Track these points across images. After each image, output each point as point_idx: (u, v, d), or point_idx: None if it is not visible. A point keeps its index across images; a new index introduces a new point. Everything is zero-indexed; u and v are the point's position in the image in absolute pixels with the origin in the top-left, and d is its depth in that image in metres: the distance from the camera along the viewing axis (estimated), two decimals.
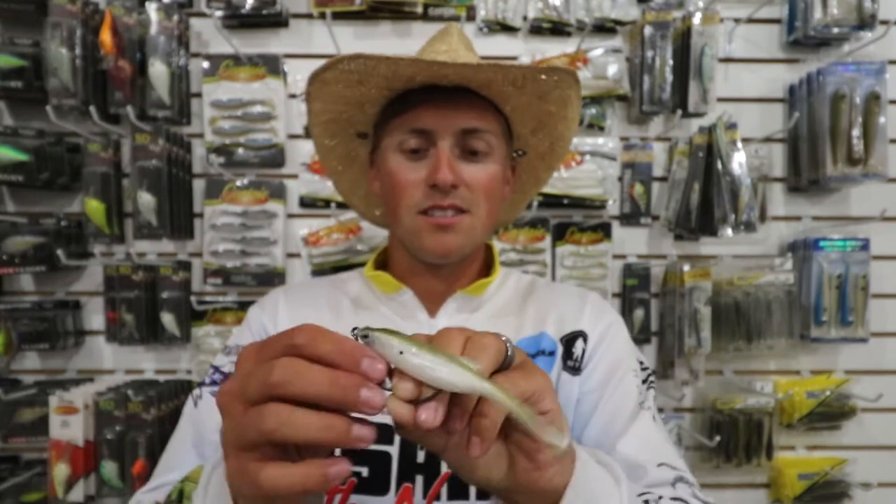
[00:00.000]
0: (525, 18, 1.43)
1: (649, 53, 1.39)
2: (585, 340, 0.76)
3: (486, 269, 0.85)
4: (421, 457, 0.64)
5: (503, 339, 0.41)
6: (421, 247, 0.71)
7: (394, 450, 0.64)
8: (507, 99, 0.72)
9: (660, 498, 0.53)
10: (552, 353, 0.75)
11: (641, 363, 0.77)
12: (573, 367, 0.74)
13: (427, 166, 0.68)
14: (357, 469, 0.63)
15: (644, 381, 0.75)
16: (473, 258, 0.80)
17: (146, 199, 1.30)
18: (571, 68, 0.69)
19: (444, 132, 0.68)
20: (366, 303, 0.79)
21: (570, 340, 0.76)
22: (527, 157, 0.84)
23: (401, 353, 0.35)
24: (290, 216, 1.43)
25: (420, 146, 0.69)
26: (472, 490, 0.63)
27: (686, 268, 1.38)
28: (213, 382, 0.73)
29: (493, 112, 0.72)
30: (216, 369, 0.75)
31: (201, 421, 0.69)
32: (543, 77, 0.68)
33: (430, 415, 0.35)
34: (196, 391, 0.74)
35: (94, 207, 1.33)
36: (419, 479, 0.64)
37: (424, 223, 0.69)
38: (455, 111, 0.68)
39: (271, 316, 0.79)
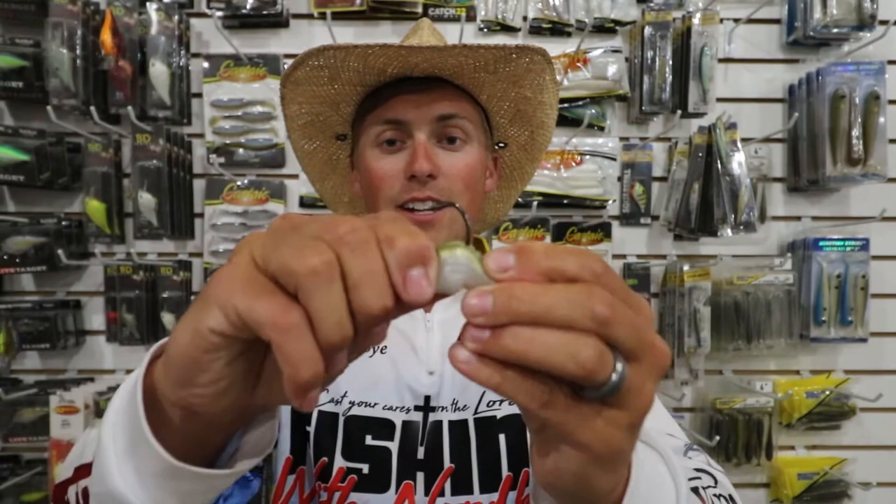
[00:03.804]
0: (525, 19, 1.43)
1: (649, 53, 1.39)
2: None
3: None
4: (421, 453, 0.63)
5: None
6: None
7: (393, 446, 0.63)
8: (482, 86, 0.71)
9: (706, 488, 0.50)
10: None
11: None
12: None
13: (404, 158, 0.67)
14: (357, 465, 0.62)
15: None
16: None
17: (146, 199, 1.31)
18: (541, 47, 0.67)
19: (419, 121, 0.67)
20: None
21: None
22: (510, 150, 0.83)
23: None
24: None
25: (396, 137, 0.68)
26: (476, 485, 0.63)
27: (686, 268, 1.38)
28: None
29: (468, 101, 0.71)
30: None
31: None
32: (513, 56, 0.67)
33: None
34: None
35: (95, 207, 1.33)
36: (420, 476, 0.63)
37: None
38: (429, 100, 0.67)
39: None
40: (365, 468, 0.63)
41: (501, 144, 0.82)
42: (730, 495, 0.52)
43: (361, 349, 0.31)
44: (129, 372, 1.48)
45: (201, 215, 1.41)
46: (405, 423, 0.64)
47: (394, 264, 0.26)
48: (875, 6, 1.36)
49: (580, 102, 1.42)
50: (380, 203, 0.69)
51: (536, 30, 1.43)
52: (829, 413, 1.45)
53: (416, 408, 0.64)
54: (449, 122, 0.68)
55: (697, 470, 0.53)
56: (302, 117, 0.76)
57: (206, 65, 1.39)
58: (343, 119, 0.77)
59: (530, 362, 0.26)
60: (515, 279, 0.26)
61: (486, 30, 1.43)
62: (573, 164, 1.42)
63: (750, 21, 1.43)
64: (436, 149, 0.68)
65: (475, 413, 0.64)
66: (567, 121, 1.42)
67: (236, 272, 0.28)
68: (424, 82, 0.68)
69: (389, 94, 0.68)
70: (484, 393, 0.64)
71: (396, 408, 0.64)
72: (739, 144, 1.36)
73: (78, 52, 1.27)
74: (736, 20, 1.44)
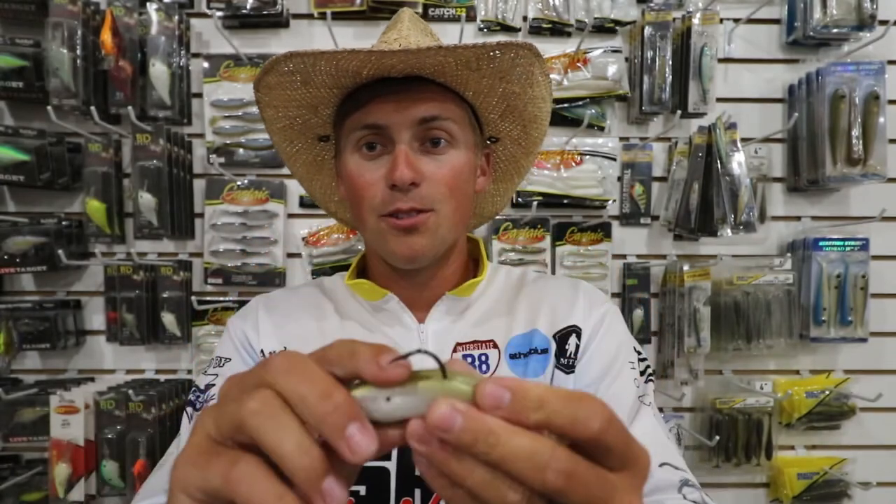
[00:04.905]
0: (525, 19, 1.43)
1: (649, 53, 1.39)
2: (579, 336, 0.73)
3: (474, 265, 0.81)
4: (418, 469, 0.63)
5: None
6: (388, 251, 0.68)
7: (391, 465, 0.62)
8: (466, 83, 0.67)
9: None
10: (545, 351, 0.72)
11: (639, 354, 0.74)
12: (567, 364, 0.71)
13: (385, 164, 0.64)
14: (354, 488, 0.61)
15: (642, 374, 0.71)
16: (454, 256, 0.76)
17: (147, 199, 1.31)
18: (528, 42, 0.63)
19: (399, 125, 0.63)
20: (351, 312, 0.76)
21: (563, 337, 0.73)
22: (503, 144, 0.79)
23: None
24: (291, 216, 1.44)
25: (376, 142, 0.65)
26: None
27: (686, 268, 1.39)
28: (203, 404, 0.70)
29: (453, 99, 0.67)
30: (197, 389, 0.72)
31: None
32: (497, 53, 0.62)
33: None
34: (188, 409, 0.71)
35: (95, 207, 1.34)
36: (417, 493, 0.62)
37: (388, 226, 0.65)
38: (409, 101, 0.63)
39: (253, 324, 0.75)
40: (363, 490, 0.61)
41: (493, 139, 0.79)
42: None
43: (355, 471, 0.31)
44: (129, 372, 1.47)
45: (201, 215, 1.41)
46: None
47: (331, 432, 0.26)
48: (875, 6, 1.36)
49: (580, 102, 1.42)
50: (364, 212, 0.67)
51: (536, 30, 1.43)
52: (829, 413, 1.45)
53: None
54: (431, 124, 0.64)
55: None
56: (279, 121, 0.73)
57: (206, 65, 1.39)
58: (323, 121, 0.74)
59: (463, 488, 0.27)
60: (499, 416, 0.26)
61: (485, 30, 1.43)
62: (573, 164, 1.42)
63: (750, 21, 1.43)
64: (418, 154, 0.65)
65: None
66: (567, 121, 1.42)
67: (189, 451, 0.28)
68: (404, 82, 0.64)
69: (368, 96, 0.65)
70: None
71: None
72: (739, 144, 1.36)
73: (78, 52, 1.27)
74: (736, 20, 1.44)
